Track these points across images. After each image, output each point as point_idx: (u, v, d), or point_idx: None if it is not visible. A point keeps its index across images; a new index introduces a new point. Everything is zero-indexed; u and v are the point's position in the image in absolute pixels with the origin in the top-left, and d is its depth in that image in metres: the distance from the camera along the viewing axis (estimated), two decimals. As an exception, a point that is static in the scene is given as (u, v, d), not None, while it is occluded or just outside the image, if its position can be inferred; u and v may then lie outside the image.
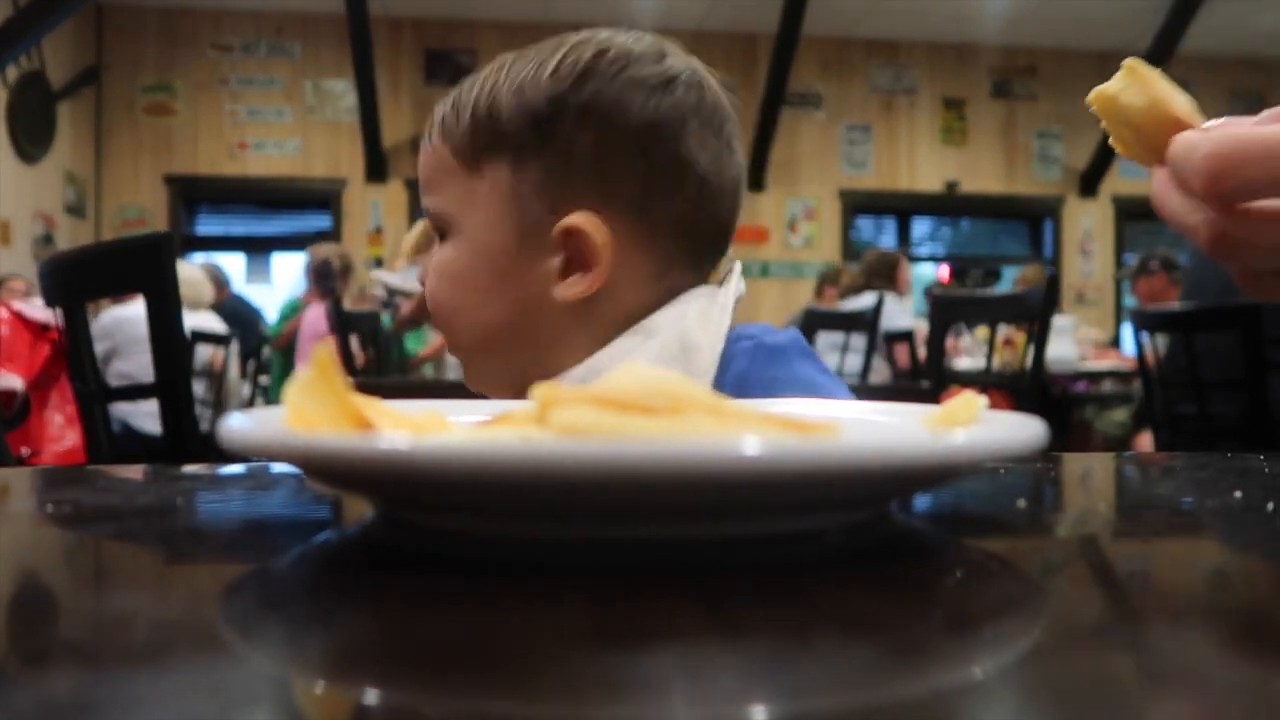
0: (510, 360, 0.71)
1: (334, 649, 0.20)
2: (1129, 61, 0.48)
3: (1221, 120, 0.46)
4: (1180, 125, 0.45)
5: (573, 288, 0.68)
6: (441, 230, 0.72)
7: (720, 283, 0.73)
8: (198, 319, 4.01)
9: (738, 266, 0.74)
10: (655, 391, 0.28)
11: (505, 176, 0.68)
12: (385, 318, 3.82)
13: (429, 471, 0.24)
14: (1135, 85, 0.47)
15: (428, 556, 0.28)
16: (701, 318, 0.69)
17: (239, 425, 0.28)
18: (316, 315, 4.07)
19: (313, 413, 0.29)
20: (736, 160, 0.73)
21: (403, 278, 3.94)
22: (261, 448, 0.27)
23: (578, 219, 0.67)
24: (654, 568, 0.26)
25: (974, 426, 0.32)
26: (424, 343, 4.12)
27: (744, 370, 0.69)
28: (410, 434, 0.30)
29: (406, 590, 0.25)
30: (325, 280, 4.09)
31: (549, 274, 0.68)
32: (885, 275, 4.19)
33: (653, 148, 0.68)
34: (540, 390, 0.28)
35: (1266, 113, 0.45)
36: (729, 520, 0.28)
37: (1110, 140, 0.49)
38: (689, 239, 0.71)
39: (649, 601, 0.23)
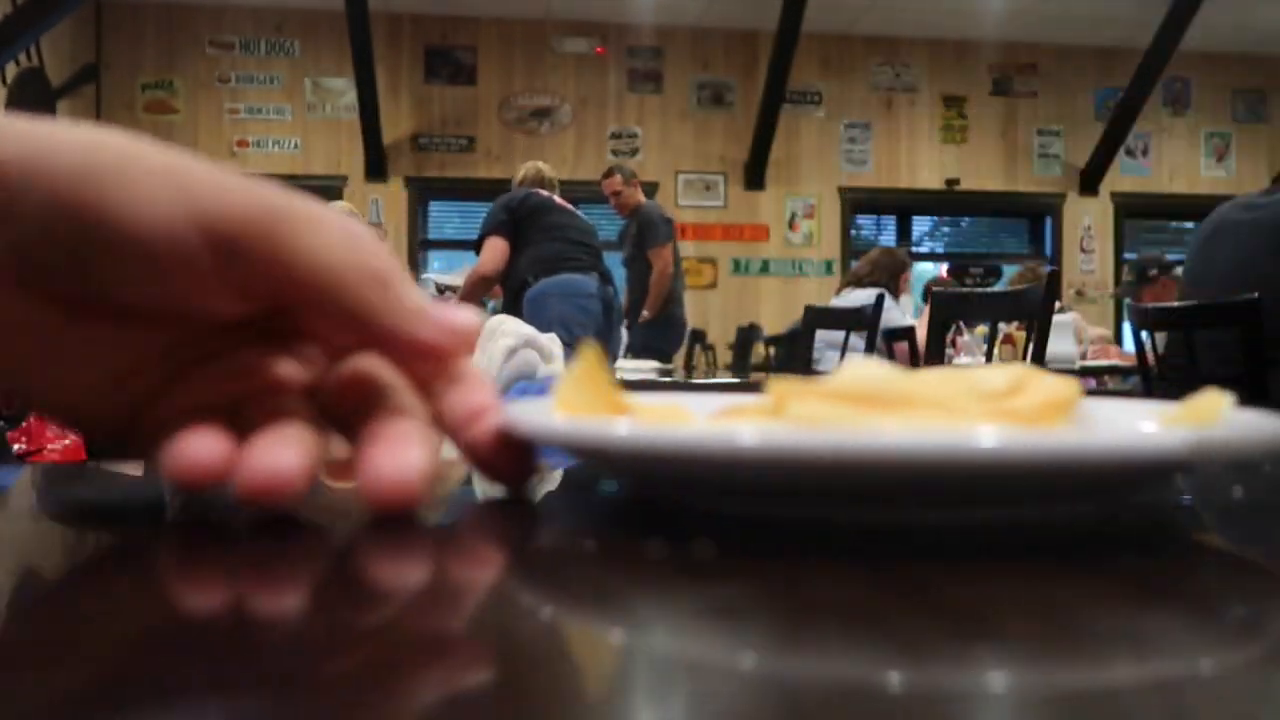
0: None
1: (337, 645, 0.20)
2: None
3: None
4: None
5: None
6: None
7: None
8: None
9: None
10: (885, 386, 0.29)
11: None
12: None
13: (736, 459, 0.25)
14: None
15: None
16: None
17: (523, 417, 0.30)
18: None
19: (581, 403, 0.31)
20: None
21: (443, 273, 4.20)
22: (551, 437, 0.29)
23: None
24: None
25: (1218, 424, 0.29)
26: None
27: None
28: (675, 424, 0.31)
29: (421, 581, 0.25)
30: None
31: None
32: (889, 274, 4.20)
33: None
34: (776, 385, 0.29)
35: None
36: (948, 509, 0.28)
37: None
38: None
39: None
